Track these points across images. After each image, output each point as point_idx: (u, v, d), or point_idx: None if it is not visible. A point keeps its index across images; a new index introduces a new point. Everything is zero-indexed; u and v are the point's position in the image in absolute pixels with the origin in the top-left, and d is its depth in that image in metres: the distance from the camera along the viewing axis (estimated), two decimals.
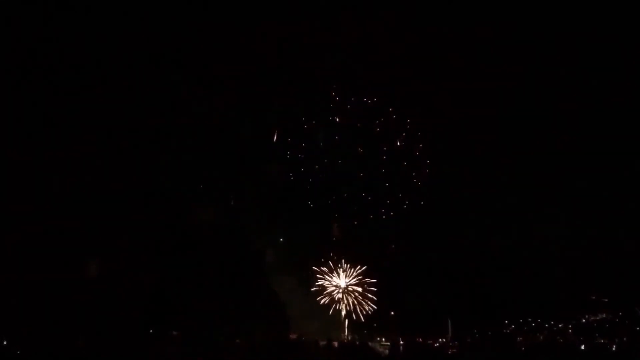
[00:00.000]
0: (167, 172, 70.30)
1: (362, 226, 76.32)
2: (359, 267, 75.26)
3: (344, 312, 75.17)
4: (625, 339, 72.19)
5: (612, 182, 77.28)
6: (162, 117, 71.13)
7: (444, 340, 76.41)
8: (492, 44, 75.92)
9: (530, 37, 76.55)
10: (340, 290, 75.41)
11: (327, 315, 74.54)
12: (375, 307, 75.14)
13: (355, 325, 75.60)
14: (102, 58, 68.92)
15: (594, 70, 75.17)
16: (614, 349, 70.79)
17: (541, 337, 76.81)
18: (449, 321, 75.84)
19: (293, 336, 70.80)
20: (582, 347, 72.92)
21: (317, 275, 75.14)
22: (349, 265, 75.60)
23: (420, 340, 76.15)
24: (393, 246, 78.38)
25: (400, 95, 77.59)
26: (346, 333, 75.15)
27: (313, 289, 74.66)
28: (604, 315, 76.41)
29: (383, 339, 76.57)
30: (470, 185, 78.70)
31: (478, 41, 76.42)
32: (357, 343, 73.67)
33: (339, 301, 75.31)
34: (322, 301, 74.69)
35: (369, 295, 75.18)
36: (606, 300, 77.36)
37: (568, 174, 78.26)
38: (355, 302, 75.45)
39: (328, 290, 75.13)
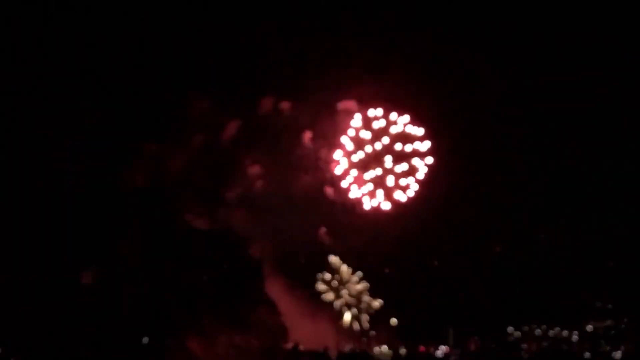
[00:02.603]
0: (163, 175, 69.97)
1: (358, 233, 75.25)
2: (359, 275, 74.63)
3: (343, 320, 74.36)
4: (630, 346, 71.03)
5: (617, 186, 76.41)
6: (159, 119, 71.06)
7: (447, 348, 75.24)
8: (493, 45, 75.41)
9: (532, 38, 75.91)
10: (340, 298, 74.65)
11: (325, 324, 73.85)
12: (375, 315, 74.50)
13: (355, 333, 74.74)
14: (98, 57, 68.97)
15: (595, 72, 74.34)
16: (619, 356, 69.55)
17: (545, 345, 75.61)
18: (451, 329, 74.82)
19: (290, 345, 70.01)
20: (588, 355, 71.77)
21: (316, 283, 74.46)
22: (349, 272, 74.96)
23: (423, 348, 75.07)
24: (387, 270, 77.34)
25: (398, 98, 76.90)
26: (345, 341, 74.20)
27: (311, 296, 74.01)
28: (609, 322, 75.35)
29: (384, 347, 75.56)
30: (472, 190, 77.83)
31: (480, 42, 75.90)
32: (357, 352, 72.63)
33: (338, 309, 74.57)
34: (321, 309, 73.99)
35: (370, 303, 74.55)
36: (611, 306, 76.31)
37: (572, 178, 77.48)
38: (355, 310, 74.72)
39: (327, 298, 74.41)
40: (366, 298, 74.67)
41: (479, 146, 76.44)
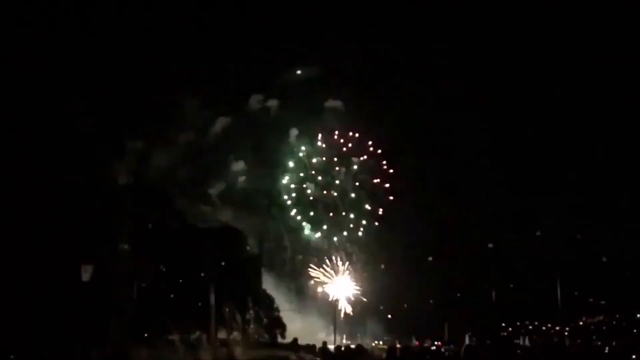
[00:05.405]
0: (159, 173, 69.82)
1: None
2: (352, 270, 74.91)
3: (340, 316, 74.76)
4: (623, 342, 71.88)
5: (611, 182, 77.09)
6: (154, 118, 70.88)
7: (441, 343, 75.98)
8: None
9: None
10: (338, 294, 74.91)
11: (324, 320, 74.21)
12: (372, 310, 74.89)
13: (351, 328, 75.21)
14: (88, 56, 68.46)
15: (595, 71, 74.74)
16: (611, 351, 70.48)
17: (538, 340, 76.46)
18: (446, 324, 75.52)
19: (288, 341, 70.24)
20: (580, 350, 72.61)
21: (314, 278, 74.69)
22: (346, 268, 75.21)
23: (417, 343, 75.75)
24: (383, 266, 77.68)
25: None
26: (342, 337, 74.68)
27: (309, 292, 74.31)
28: (602, 318, 76.27)
29: (380, 343, 76.16)
30: (466, 187, 78.36)
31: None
32: (353, 347, 72.92)
33: (335, 304, 74.86)
34: (318, 304, 74.28)
35: (366, 298, 74.89)
36: (604, 302, 77.22)
37: (565, 174, 78.07)
38: (353, 305, 75.00)
39: (325, 293, 74.67)
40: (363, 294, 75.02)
41: (473, 145, 77.26)
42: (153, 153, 70.88)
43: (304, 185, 78.07)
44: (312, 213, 77.36)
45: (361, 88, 76.22)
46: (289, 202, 77.68)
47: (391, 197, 78.30)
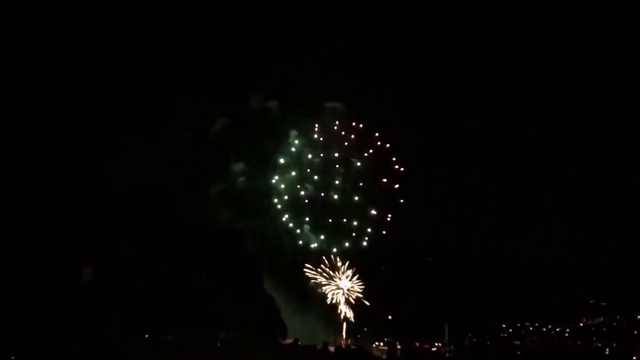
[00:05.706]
0: (159, 176, 69.62)
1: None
2: (357, 275, 74.53)
3: (341, 317, 74.49)
4: (623, 342, 71.87)
5: (611, 186, 77.36)
6: (155, 119, 70.91)
7: (441, 344, 75.85)
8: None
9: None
10: (338, 294, 74.67)
11: (323, 320, 73.96)
12: (372, 311, 74.63)
13: (352, 329, 74.94)
14: (89, 58, 68.62)
15: (593, 73, 75.09)
16: (611, 352, 70.49)
17: (538, 341, 76.40)
18: (446, 325, 75.37)
19: (289, 341, 70.14)
20: (580, 351, 72.65)
21: (315, 280, 74.45)
22: (346, 269, 74.97)
23: (417, 344, 75.62)
24: (383, 267, 76.95)
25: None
26: (343, 337, 74.44)
27: (309, 294, 74.04)
28: (602, 319, 76.19)
29: (380, 343, 76.01)
30: (466, 189, 78.51)
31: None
32: (354, 347, 72.93)
33: (336, 305, 74.66)
34: (319, 305, 74.01)
35: (366, 299, 74.68)
36: (604, 304, 77.17)
37: (566, 178, 78.30)
38: (353, 306, 74.75)
39: (326, 295, 74.45)
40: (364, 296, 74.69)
41: (473, 147, 77.46)
42: (153, 153, 70.47)
43: (298, 186, 74.46)
44: (307, 218, 74.16)
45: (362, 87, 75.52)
46: (279, 206, 74.29)
47: (401, 200, 73.86)
